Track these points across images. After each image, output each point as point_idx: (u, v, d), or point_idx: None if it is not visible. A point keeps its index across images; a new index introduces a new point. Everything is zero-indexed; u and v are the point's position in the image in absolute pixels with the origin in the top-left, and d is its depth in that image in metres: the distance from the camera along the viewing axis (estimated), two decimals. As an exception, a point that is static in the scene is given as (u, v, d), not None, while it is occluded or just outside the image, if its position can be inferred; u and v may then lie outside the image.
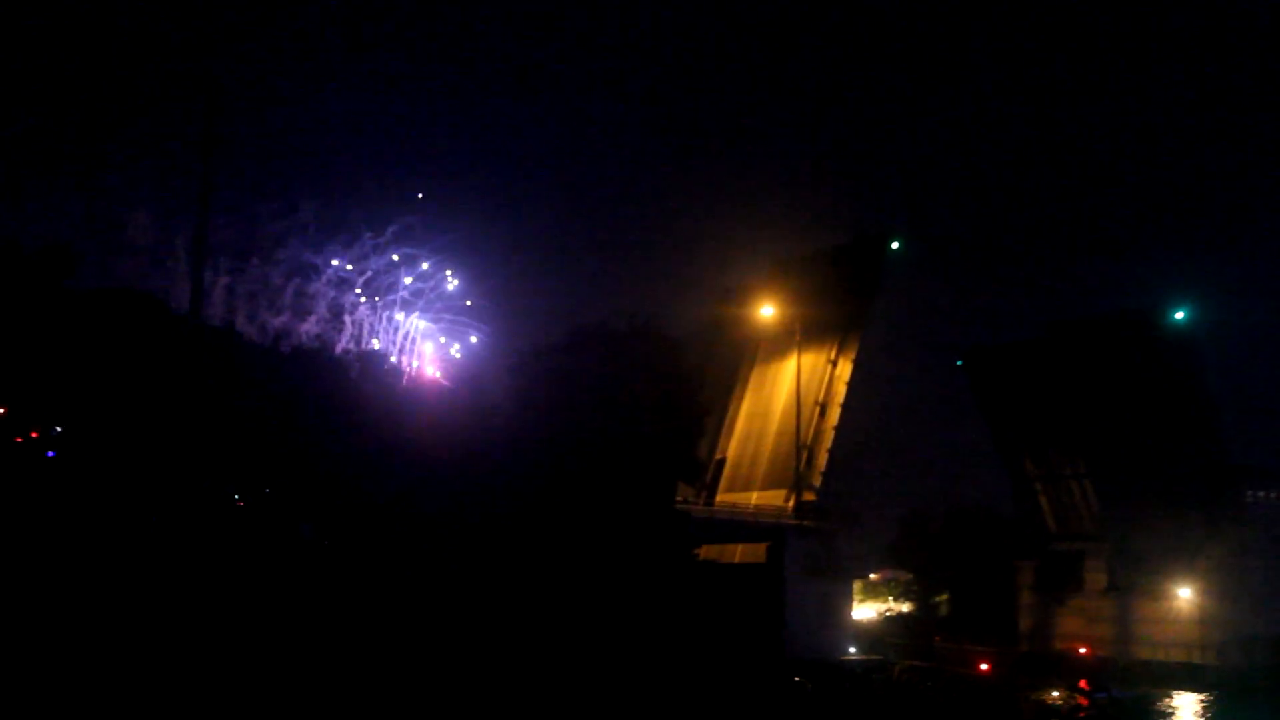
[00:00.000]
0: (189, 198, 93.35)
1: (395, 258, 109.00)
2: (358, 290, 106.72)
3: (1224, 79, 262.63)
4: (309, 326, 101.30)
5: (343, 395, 77.41)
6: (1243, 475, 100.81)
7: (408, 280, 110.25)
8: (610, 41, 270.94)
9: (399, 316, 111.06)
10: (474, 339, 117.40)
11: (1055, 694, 77.91)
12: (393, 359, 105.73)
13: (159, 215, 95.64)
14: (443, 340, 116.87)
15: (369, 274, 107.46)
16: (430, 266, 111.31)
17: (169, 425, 65.09)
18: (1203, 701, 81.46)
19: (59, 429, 65.40)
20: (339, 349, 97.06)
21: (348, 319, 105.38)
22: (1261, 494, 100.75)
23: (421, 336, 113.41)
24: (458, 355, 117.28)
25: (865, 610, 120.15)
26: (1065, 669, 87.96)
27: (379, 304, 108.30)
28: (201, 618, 50.74)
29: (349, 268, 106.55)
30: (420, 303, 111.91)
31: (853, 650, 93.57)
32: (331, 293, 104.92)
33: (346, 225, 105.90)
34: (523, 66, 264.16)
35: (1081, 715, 72.66)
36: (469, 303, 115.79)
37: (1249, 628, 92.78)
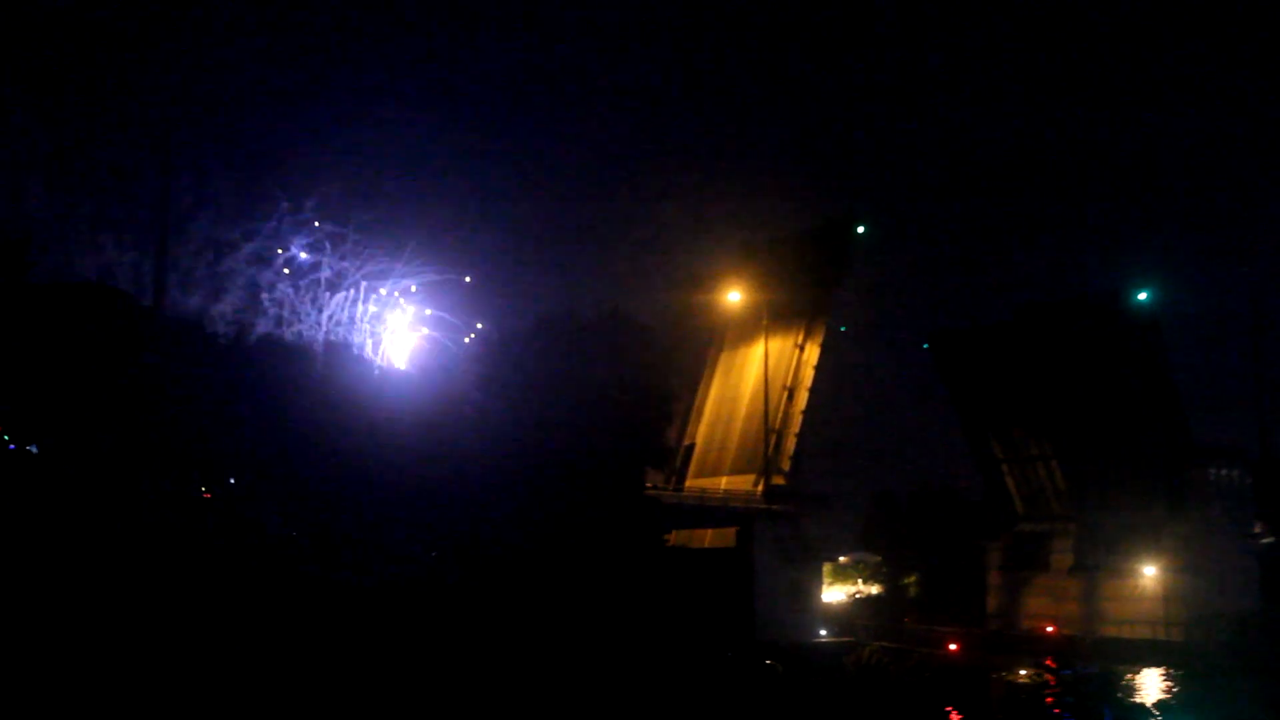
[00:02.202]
0: (89, 162, 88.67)
1: (351, 243, 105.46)
2: (285, 269, 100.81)
3: (1188, 64, 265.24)
4: (224, 307, 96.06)
5: (309, 385, 76.69)
6: (1206, 454, 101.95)
7: (334, 266, 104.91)
8: (576, 29, 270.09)
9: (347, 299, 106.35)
10: (428, 332, 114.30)
11: (1023, 672, 78.59)
12: (367, 348, 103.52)
13: (55, 185, 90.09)
14: (424, 328, 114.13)
15: (291, 253, 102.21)
16: (358, 245, 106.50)
17: (133, 418, 64.41)
18: (1167, 677, 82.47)
19: (20, 423, 64.54)
20: (257, 332, 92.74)
21: (265, 297, 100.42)
22: (1224, 473, 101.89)
23: (375, 321, 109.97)
24: (424, 339, 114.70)
25: (835, 593, 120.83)
26: (1033, 648, 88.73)
27: (302, 285, 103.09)
28: (162, 610, 50.26)
29: (284, 243, 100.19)
30: (349, 282, 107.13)
31: (823, 633, 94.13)
32: (249, 270, 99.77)
33: (267, 199, 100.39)
34: (485, 52, 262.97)
35: (1048, 693, 73.30)
36: (415, 289, 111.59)
37: (1212, 604, 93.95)
